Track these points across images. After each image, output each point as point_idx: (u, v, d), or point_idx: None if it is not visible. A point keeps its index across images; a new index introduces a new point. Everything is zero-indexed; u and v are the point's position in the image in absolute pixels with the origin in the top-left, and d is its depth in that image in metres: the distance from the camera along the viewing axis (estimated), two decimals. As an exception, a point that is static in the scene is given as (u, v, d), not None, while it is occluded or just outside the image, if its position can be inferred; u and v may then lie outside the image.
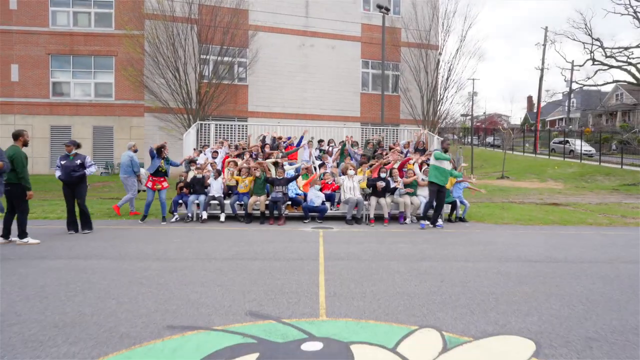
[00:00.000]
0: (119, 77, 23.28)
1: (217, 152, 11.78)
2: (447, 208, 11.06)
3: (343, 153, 12.78)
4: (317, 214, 10.62)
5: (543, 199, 17.08)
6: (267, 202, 10.39)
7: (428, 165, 11.45)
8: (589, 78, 38.39)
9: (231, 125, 14.88)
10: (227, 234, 8.97)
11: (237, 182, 10.74)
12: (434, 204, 9.98)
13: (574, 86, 38.64)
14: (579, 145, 31.98)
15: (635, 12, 34.50)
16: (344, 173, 11.04)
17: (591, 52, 36.48)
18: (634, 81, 36.01)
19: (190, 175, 10.85)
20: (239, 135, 15.24)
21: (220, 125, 14.80)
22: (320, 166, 12.24)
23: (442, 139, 12.17)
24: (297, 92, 21.78)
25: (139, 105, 22.63)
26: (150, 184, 10.11)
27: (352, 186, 10.58)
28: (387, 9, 20.31)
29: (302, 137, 13.54)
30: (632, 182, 22.73)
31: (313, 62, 21.99)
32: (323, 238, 8.67)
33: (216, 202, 10.49)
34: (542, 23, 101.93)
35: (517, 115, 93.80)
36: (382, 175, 10.58)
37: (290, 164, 11.92)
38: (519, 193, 18.78)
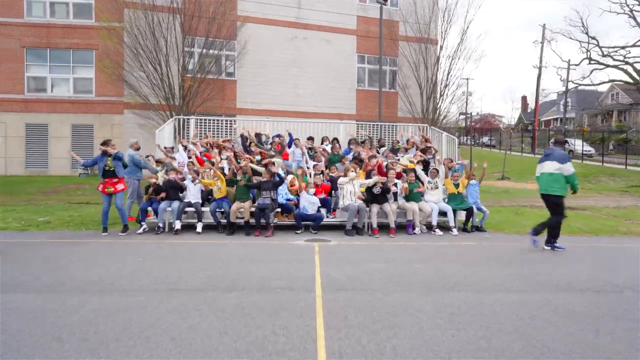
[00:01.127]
0: (99, 73, 21.36)
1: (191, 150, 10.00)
2: (461, 215, 9.43)
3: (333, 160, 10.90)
4: (311, 223, 8.93)
5: (554, 202, 15.51)
6: (253, 210, 8.68)
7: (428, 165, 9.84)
8: (584, 78, 37.13)
9: (215, 121, 13.10)
10: (203, 250, 7.24)
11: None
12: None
13: (570, 86, 37.34)
14: (577, 145, 30.61)
15: (631, 10, 33.33)
16: (344, 175, 9.31)
17: (587, 50, 35.20)
18: (631, 80, 34.82)
19: (161, 177, 9.09)
20: (226, 133, 13.45)
21: (201, 120, 13.04)
22: (313, 167, 10.53)
23: (557, 137, 9.91)
24: (289, 87, 20.03)
25: (120, 102, 20.76)
26: (100, 187, 8.31)
27: (352, 190, 8.90)
28: (385, 0, 18.65)
29: (291, 136, 11.73)
30: (638, 183, 21.32)
31: (306, 56, 20.26)
32: (319, 255, 6.98)
33: (192, 209, 8.75)
34: (533, 23, 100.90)
35: (509, 115, 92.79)
36: (374, 179, 8.86)
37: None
38: (526, 196, 17.22)
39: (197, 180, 8.89)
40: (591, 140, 32.74)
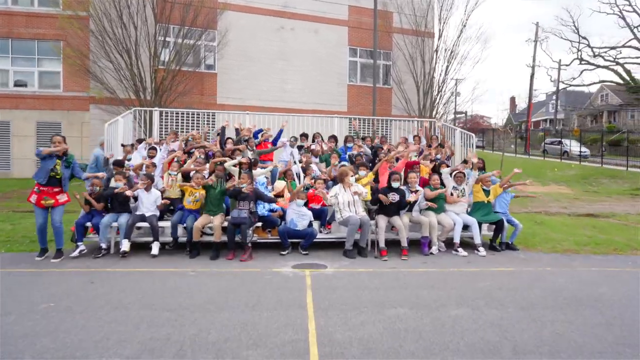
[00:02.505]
0: (67, 66, 18.95)
1: (155, 148, 7.78)
2: (486, 229, 7.43)
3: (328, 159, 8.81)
4: (300, 240, 6.83)
5: (567, 207, 13.75)
6: (226, 225, 6.54)
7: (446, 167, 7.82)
8: (574, 78, 35.71)
9: (185, 114, 10.86)
10: (151, 285, 5.08)
11: (184, 193, 6.86)
12: None
13: (561, 86, 35.97)
14: (572, 146, 29.07)
15: (620, 11, 32.13)
16: (338, 180, 7.15)
17: (578, 50, 33.96)
18: (621, 81, 33.63)
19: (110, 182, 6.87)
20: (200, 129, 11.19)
21: (170, 113, 10.83)
22: (304, 171, 8.38)
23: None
24: (276, 82, 17.85)
25: (90, 98, 18.40)
26: (34, 198, 6.09)
27: (351, 200, 6.80)
28: (379, -12, 16.67)
29: (280, 132, 9.56)
30: (642, 185, 19.75)
31: (293, 48, 18.09)
32: (313, 291, 4.89)
33: (146, 224, 6.56)
34: (519, 25, 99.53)
35: (497, 116, 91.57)
36: (395, 185, 6.82)
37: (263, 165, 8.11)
38: (533, 200, 15.37)
39: (152, 188, 6.70)
40: (583, 141, 31.22)
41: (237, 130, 9.26)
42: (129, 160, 7.92)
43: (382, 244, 6.57)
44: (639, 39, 31.02)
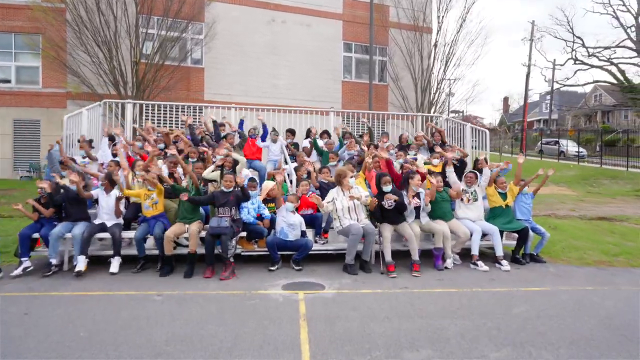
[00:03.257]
0: (46, 61, 17.68)
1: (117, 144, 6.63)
2: (507, 239, 6.39)
3: (326, 156, 7.73)
4: (292, 252, 5.74)
5: (575, 210, 12.82)
6: (204, 236, 5.44)
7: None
8: (568, 78, 35.07)
9: (164, 107, 9.70)
10: (102, 315, 3.95)
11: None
12: None
13: (555, 86, 35.28)
14: (569, 146, 28.30)
15: (614, 11, 31.52)
16: (336, 182, 6.06)
17: (572, 50, 33.25)
18: (615, 81, 33.03)
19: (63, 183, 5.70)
20: (177, 124, 9.93)
21: (143, 106, 9.67)
22: (295, 170, 7.27)
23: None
24: (266, 78, 16.72)
25: (67, 94, 17.15)
26: None
27: (352, 205, 5.71)
28: (375, -20, 15.64)
29: (265, 128, 8.42)
30: (649, 186, 18.95)
31: (285, 42, 17.00)
32: (308, 323, 3.81)
33: (107, 235, 5.42)
34: (512, 26, 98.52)
35: (490, 115, 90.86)
36: (386, 188, 5.70)
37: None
38: (538, 202, 14.44)
39: (113, 191, 5.56)
40: (578, 141, 30.48)
41: (215, 123, 8.13)
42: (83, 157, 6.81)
43: (388, 258, 5.49)
44: (632, 39, 30.41)
